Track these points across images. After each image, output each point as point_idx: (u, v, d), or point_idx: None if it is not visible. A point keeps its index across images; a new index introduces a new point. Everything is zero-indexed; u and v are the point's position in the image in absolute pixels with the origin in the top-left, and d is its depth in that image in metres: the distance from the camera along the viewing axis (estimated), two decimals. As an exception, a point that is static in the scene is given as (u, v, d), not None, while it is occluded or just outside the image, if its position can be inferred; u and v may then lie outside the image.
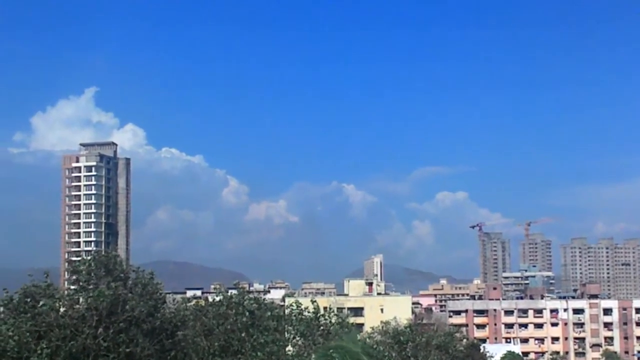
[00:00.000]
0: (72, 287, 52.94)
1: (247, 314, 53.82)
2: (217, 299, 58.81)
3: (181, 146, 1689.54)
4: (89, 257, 54.22)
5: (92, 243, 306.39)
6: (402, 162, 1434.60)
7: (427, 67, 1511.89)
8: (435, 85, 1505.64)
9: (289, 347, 54.64)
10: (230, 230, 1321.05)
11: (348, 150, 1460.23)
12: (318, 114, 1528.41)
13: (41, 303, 48.38)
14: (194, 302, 59.56)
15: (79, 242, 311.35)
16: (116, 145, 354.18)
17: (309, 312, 57.71)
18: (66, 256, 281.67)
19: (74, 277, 52.16)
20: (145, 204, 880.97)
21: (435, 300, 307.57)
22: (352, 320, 71.05)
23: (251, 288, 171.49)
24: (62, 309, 48.17)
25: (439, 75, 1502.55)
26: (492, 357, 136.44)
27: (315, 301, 60.50)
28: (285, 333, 55.93)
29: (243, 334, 51.63)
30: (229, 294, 57.81)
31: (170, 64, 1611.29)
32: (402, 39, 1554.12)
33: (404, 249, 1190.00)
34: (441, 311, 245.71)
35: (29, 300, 50.12)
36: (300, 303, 59.16)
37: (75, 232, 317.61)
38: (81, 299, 49.46)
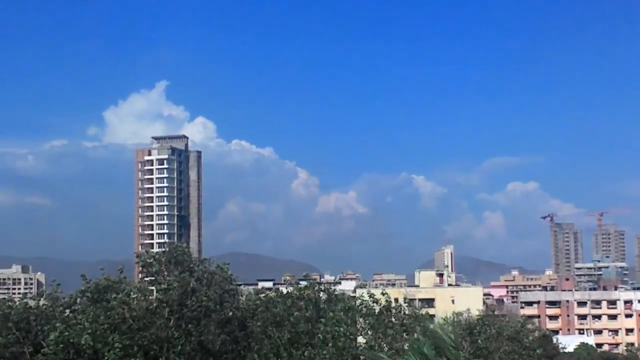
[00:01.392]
0: (145, 279, 53.77)
1: (315, 306, 53.98)
2: (288, 290, 59.13)
3: (251, 139, 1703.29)
4: (157, 250, 55.19)
5: (165, 235, 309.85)
6: (472, 153, 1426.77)
7: (497, 54, 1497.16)
8: (504, 75, 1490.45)
9: (360, 339, 54.62)
10: (300, 222, 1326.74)
11: (418, 141, 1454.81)
12: (387, 105, 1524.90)
13: (114, 296, 49.29)
14: (265, 293, 59.95)
15: (152, 235, 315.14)
16: (187, 138, 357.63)
17: (380, 304, 57.59)
18: (140, 248, 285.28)
19: (145, 271, 52.96)
20: (216, 197, 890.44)
21: (507, 292, 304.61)
22: (423, 311, 70.70)
23: (322, 279, 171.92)
24: (135, 302, 48.97)
25: (509, 65, 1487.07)
26: (565, 348, 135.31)
27: (386, 293, 60.35)
28: (357, 324, 55.92)
29: (310, 326, 51.76)
30: (299, 285, 58.08)
31: (239, 57, 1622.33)
32: (468, 27, 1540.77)
33: (474, 240, 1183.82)
34: (513, 302, 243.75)
35: (103, 292, 51.10)
36: (373, 294, 59.09)
37: (148, 225, 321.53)
38: (153, 291, 50.22)
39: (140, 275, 55.09)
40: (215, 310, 51.10)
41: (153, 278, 51.83)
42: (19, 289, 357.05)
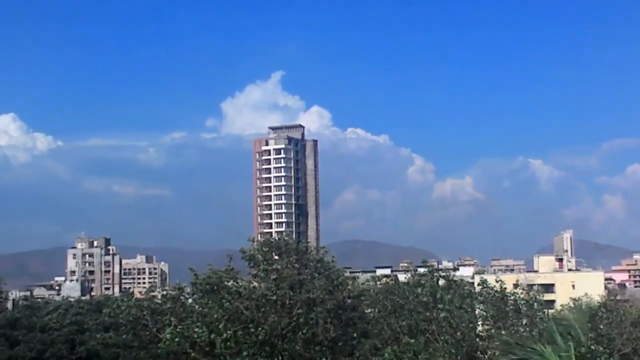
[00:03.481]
0: (252, 271, 54.46)
1: (433, 293, 54.30)
2: (407, 277, 59.67)
3: (366, 126, 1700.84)
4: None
5: (284, 224, 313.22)
6: (590, 136, 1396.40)
7: (614, 33, 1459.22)
8: (623, 54, 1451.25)
9: (480, 328, 54.73)
10: (417, 209, 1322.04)
11: (535, 124, 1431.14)
12: (504, 90, 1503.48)
13: (231, 284, 50.64)
14: (383, 280, 60.55)
15: (270, 224, 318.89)
16: (303, 127, 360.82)
17: (497, 290, 57.52)
18: (259, 237, 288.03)
19: (252, 264, 53.60)
20: (332, 185, 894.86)
21: (629, 276, 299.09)
22: (542, 297, 70.30)
23: (440, 266, 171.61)
24: (251, 293, 50.05)
25: (628, 43, 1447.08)
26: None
27: (500, 280, 60.17)
28: (475, 312, 56.05)
29: (428, 313, 52.08)
30: (417, 272, 58.53)
31: (352, 46, 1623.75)
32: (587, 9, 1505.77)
33: (594, 224, 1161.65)
34: (635, 287, 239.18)
35: (215, 284, 52.29)
36: (486, 280, 59.16)
37: (267, 214, 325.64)
38: (262, 284, 51.11)
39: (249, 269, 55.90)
40: (328, 298, 51.60)
41: (263, 269, 52.62)
42: (144, 278, 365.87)
